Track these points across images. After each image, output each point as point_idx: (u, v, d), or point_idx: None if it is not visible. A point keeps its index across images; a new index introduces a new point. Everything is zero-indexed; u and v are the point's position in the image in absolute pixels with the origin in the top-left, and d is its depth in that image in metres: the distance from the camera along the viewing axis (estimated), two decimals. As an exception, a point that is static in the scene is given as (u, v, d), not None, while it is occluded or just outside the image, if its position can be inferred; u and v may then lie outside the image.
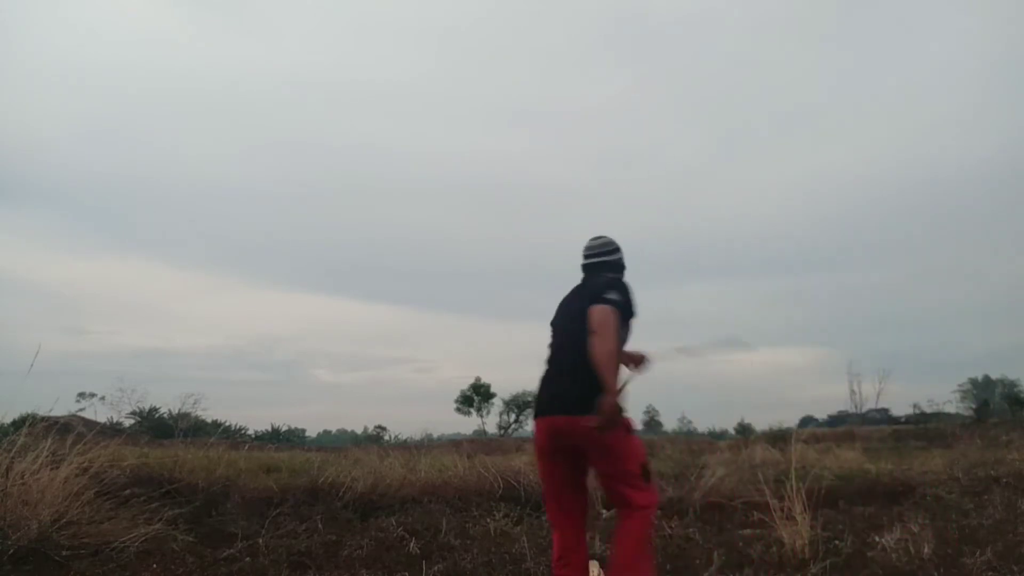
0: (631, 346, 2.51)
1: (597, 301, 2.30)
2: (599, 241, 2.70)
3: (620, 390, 2.23)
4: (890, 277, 66.48)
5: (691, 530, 4.32)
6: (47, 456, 3.58)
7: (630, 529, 2.30)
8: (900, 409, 34.12)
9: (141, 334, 59.09)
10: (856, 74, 79.10)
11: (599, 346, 2.21)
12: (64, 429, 4.26)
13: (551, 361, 2.51)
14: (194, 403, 23.33)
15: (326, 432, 42.00)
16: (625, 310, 2.38)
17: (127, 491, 3.90)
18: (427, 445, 13.11)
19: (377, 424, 32.71)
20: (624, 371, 2.39)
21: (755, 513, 4.53)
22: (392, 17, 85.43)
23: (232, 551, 3.46)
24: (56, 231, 70.08)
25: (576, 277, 2.68)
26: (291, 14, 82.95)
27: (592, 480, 2.52)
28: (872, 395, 26.47)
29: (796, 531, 3.49)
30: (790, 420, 29.20)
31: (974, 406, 30.90)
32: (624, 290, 2.42)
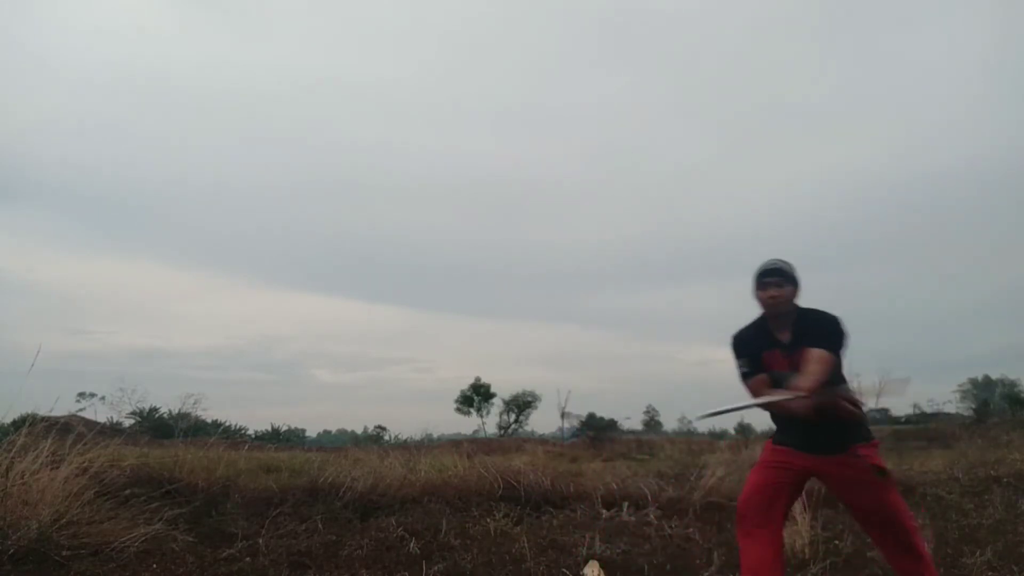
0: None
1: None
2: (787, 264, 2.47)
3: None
4: (890, 277, 66.55)
5: (691, 530, 4.32)
6: (47, 456, 3.58)
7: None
8: (900, 409, 34.14)
9: (141, 334, 59.11)
10: (857, 73, 79.12)
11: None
12: (64, 429, 4.26)
13: None
14: (194, 403, 23.35)
15: (326, 432, 41.93)
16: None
17: (127, 491, 3.90)
18: (427, 445, 13.11)
19: (377, 424, 32.67)
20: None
21: (755, 513, 4.53)
22: (390, 16, 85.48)
23: (232, 551, 3.46)
24: (56, 231, 70.10)
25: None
26: (290, 14, 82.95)
27: None
28: (872, 395, 26.40)
29: (796, 531, 3.49)
30: (790, 420, 29.14)
31: (974, 406, 30.86)
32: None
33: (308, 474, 5.72)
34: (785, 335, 2.37)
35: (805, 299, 2.38)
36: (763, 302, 2.39)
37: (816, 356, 2.19)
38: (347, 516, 4.51)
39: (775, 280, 2.37)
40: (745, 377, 2.37)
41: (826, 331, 2.28)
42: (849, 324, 2.23)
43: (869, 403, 2.35)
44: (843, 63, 78.99)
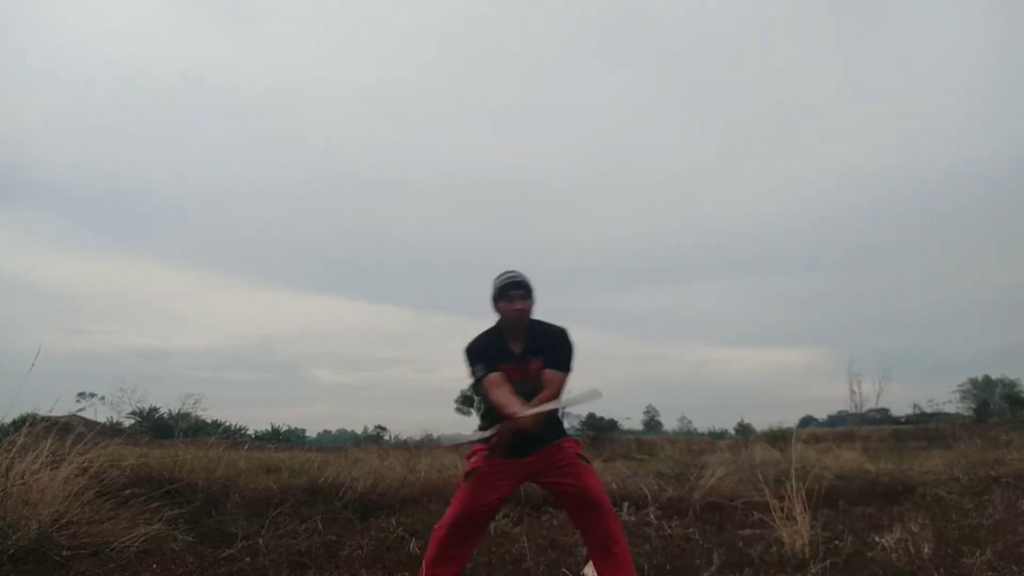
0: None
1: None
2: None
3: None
4: (890, 277, 66.53)
5: (691, 530, 4.32)
6: (47, 456, 3.57)
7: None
8: (900, 409, 34.13)
9: (141, 334, 58.95)
10: (857, 73, 79.09)
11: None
12: (64, 429, 4.25)
13: None
14: (194, 403, 23.29)
15: (326, 432, 41.89)
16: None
17: (127, 491, 3.89)
18: (427, 445, 13.09)
19: (377, 424, 32.64)
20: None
21: (755, 513, 4.54)
22: (390, 16, 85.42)
23: (232, 551, 3.46)
24: (56, 231, 70.04)
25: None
26: (291, 14, 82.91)
27: None
28: (872, 395, 26.37)
29: (796, 531, 3.48)
30: (790, 420, 29.15)
31: (974, 406, 30.87)
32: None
33: (308, 474, 5.72)
34: (518, 346, 2.45)
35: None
36: (508, 314, 2.44)
37: (552, 379, 2.37)
38: (347, 516, 4.52)
39: (521, 293, 2.43)
40: (481, 380, 2.42)
41: (558, 346, 2.43)
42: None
43: (570, 410, 2.50)
44: (844, 64, 78.98)
